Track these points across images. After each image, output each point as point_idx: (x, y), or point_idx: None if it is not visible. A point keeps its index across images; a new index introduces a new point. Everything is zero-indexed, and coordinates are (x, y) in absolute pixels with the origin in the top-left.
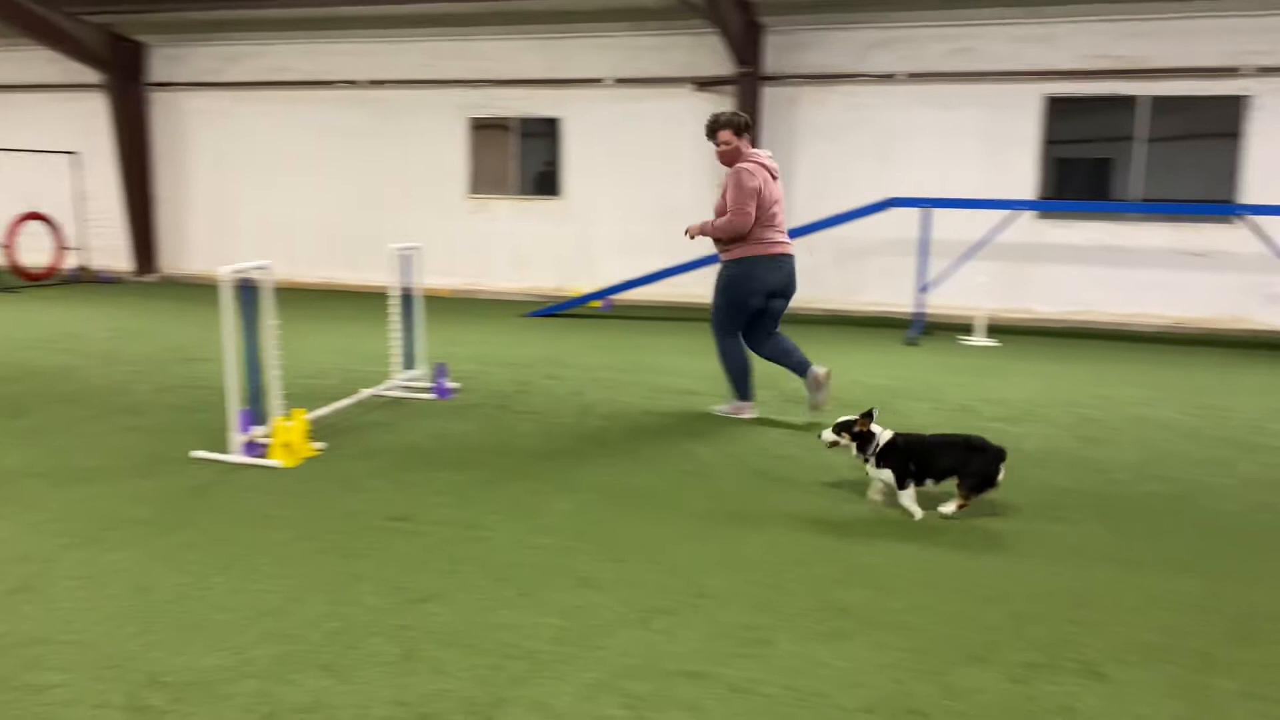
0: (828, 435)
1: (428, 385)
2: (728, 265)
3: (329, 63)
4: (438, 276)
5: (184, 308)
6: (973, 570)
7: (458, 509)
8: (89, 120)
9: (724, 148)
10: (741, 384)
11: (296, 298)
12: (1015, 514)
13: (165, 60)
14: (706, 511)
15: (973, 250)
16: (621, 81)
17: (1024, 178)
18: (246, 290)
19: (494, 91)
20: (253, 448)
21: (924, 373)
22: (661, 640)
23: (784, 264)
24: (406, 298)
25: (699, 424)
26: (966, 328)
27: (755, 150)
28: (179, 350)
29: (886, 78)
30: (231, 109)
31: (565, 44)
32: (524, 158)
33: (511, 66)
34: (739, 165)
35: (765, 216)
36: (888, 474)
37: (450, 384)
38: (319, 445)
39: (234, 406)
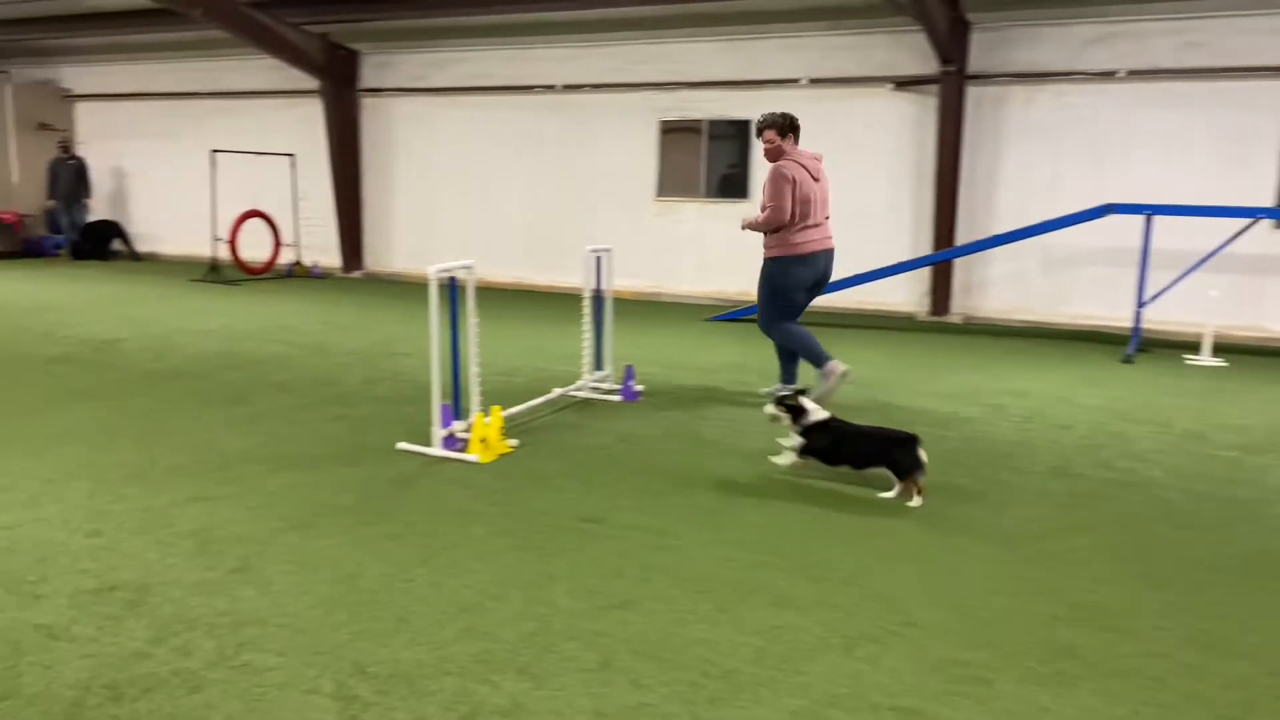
0: (769, 409)
1: (615, 387)
2: (768, 263)
3: (527, 68)
4: (622, 278)
5: (387, 303)
6: (1224, 620)
7: (648, 514)
8: (306, 124)
9: (768, 146)
10: (815, 354)
11: (490, 297)
12: (1260, 560)
13: (376, 67)
14: (906, 532)
15: (1200, 261)
16: (816, 82)
17: (1261, 183)
18: (450, 289)
19: (685, 94)
20: (452, 442)
21: (1145, 394)
22: (867, 670)
23: (818, 260)
24: (597, 299)
25: None
26: (1189, 345)
27: (800, 150)
28: (384, 344)
29: (1105, 75)
30: (435, 114)
31: (758, 44)
32: (711, 160)
33: (703, 68)
34: (777, 163)
35: (800, 214)
36: (799, 441)
37: (637, 386)
38: (513, 442)
39: (436, 401)
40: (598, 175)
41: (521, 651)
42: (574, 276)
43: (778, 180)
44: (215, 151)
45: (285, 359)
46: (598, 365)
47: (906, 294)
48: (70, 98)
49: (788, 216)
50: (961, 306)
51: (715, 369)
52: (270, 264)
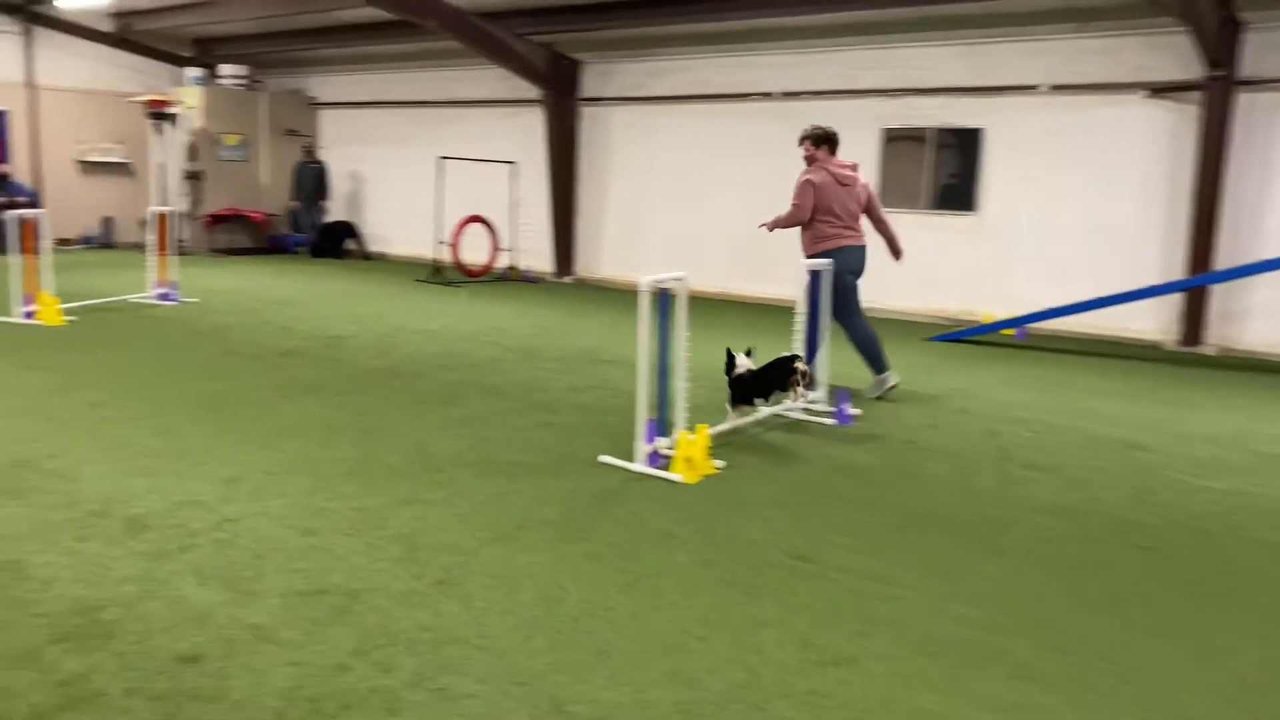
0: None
1: (828, 409)
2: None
3: (746, 76)
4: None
5: (594, 310)
6: None
7: (865, 556)
8: (526, 133)
9: (805, 155)
10: (876, 359)
11: (696, 307)
12: None
13: (596, 76)
14: (1170, 601)
15: None
16: (1058, 88)
17: None
18: (661, 300)
19: (912, 101)
20: (655, 458)
21: None
22: None
23: (850, 253)
24: (813, 316)
25: (1150, 484)
26: None
27: (834, 159)
28: (590, 351)
29: None
30: (651, 122)
31: (994, 49)
32: (935, 170)
33: (932, 74)
34: (804, 171)
35: (829, 214)
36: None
37: (851, 410)
38: (719, 463)
39: (642, 415)
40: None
41: (728, 705)
42: (782, 288)
43: (802, 185)
44: (442, 158)
45: (498, 362)
46: (810, 385)
47: (1153, 320)
48: (315, 105)
49: (806, 215)
50: (1218, 337)
51: (938, 395)
52: (488, 267)
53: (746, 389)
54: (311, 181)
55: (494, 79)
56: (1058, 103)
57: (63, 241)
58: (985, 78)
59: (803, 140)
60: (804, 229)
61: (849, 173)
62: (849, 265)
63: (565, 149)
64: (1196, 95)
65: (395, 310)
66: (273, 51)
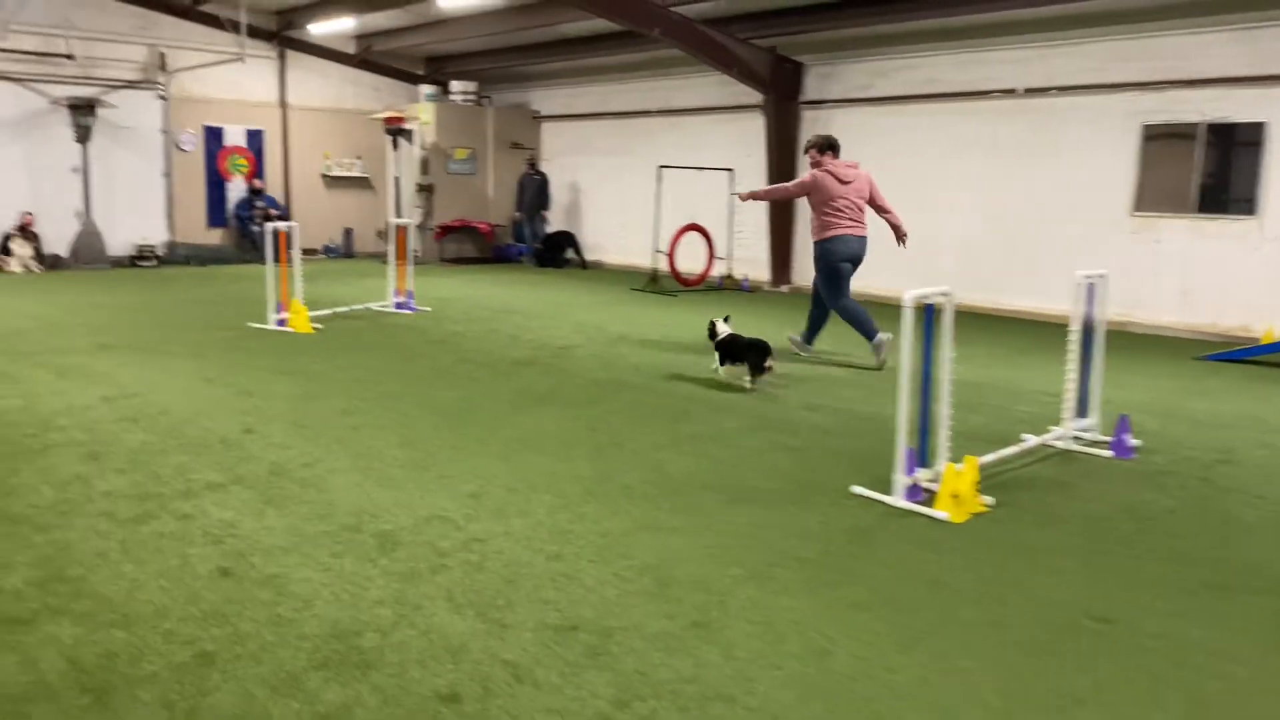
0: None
1: (1102, 439)
2: (816, 246)
3: (983, 72)
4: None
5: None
6: None
7: (1183, 620)
8: (744, 139)
9: (811, 160)
10: (866, 326)
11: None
12: None
13: (819, 78)
14: None
15: None
16: None
17: None
18: (926, 316)
19: (1177, 94)
20: (915, 492)
21: None
22: None
23: (851, 241)
24: (1087, 334)
25: None
26: None
27: (836, 161)
28: (814, 367)
29: None
30: (876, 124)
31: (1277, 33)
32: (1206, 170)
33: (1201, 64)
34: (810, 170)
35: (831, 208)
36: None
37: (1132, 441)
38: (988, 500)
39: (902, 443)
40: (1059, 187)
41: None
42: (1022, 299)
43: (803, 178)
44: (662, 167)
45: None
46: (1081, 411)
47: None
48: (538, 118)
49: (789, 195)
50: None
51: (1226, 423)
52: (704, 276)
53: (727, 350)
54: (534, 193)
55: (713, 85)
56: None
57: (307, 251)
58: (1267, 65)
59: (808, 149)
60: (812, 219)
61: (851, 171)
62: (847, 252)
63: (785, 154)
64: None
65: (616, 320)
66: (499, 67)
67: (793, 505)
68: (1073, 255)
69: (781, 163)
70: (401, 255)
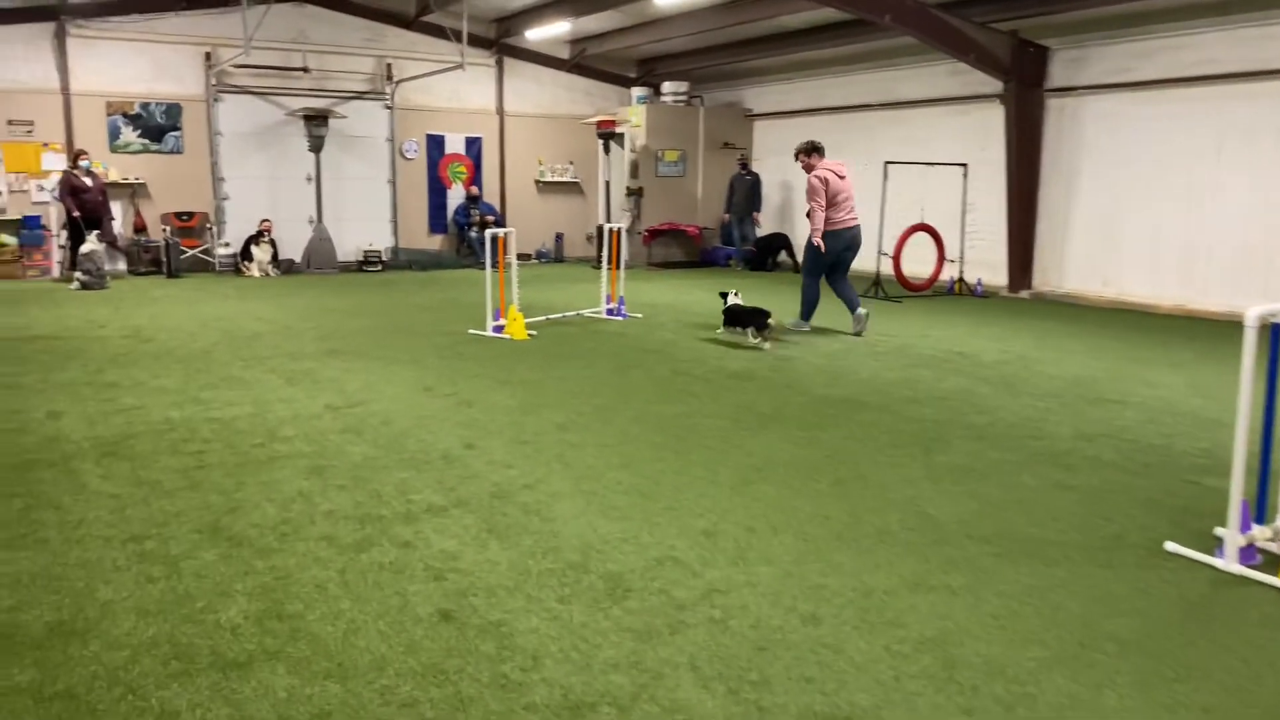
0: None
1: None
2: (822, 238)
3: (1266, 49)
4: None
5: (1067, 331)
6: None
7: None
8: (977, 131)
9: (804, 165)
10: (810, 311)
11: (1195, 331)
12: None
13: (1066, 64)
14: None
15: None
16: None
17: None
18: (1273, 339)
19: None
20: (1249, 554)
21: None
22: None
23: (845, 234)
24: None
25: None
26: None
27: (826, 161)
28: (1083, 386)
29: None
30: (1133, 111)
31: None
32: None
33: None
34: (810, 174)
35: (836, 203)
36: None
37: None
38: None
39: (1237, 493)
40: None
41: None
42: None
43: (812, 186)
44: (888, 163)
45: (972, 395)
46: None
47: None
48: (750, 117)
49: (820, 211)
50: None
51: None
52: (933, 280)
53: (732, 317)
54: (745, 194)
55: (943, 75)
56: None
57: (520, 256)
58: None
59: (798, 155)
60: (813, 215)
61: (842, 168)
62: (844, 242)
63: (1028, 146)
64: None
65: (834, 326)
66: (711, 65)
67: (1089, 564)
68: None
69: (1023, 157)
70: (615, 260)
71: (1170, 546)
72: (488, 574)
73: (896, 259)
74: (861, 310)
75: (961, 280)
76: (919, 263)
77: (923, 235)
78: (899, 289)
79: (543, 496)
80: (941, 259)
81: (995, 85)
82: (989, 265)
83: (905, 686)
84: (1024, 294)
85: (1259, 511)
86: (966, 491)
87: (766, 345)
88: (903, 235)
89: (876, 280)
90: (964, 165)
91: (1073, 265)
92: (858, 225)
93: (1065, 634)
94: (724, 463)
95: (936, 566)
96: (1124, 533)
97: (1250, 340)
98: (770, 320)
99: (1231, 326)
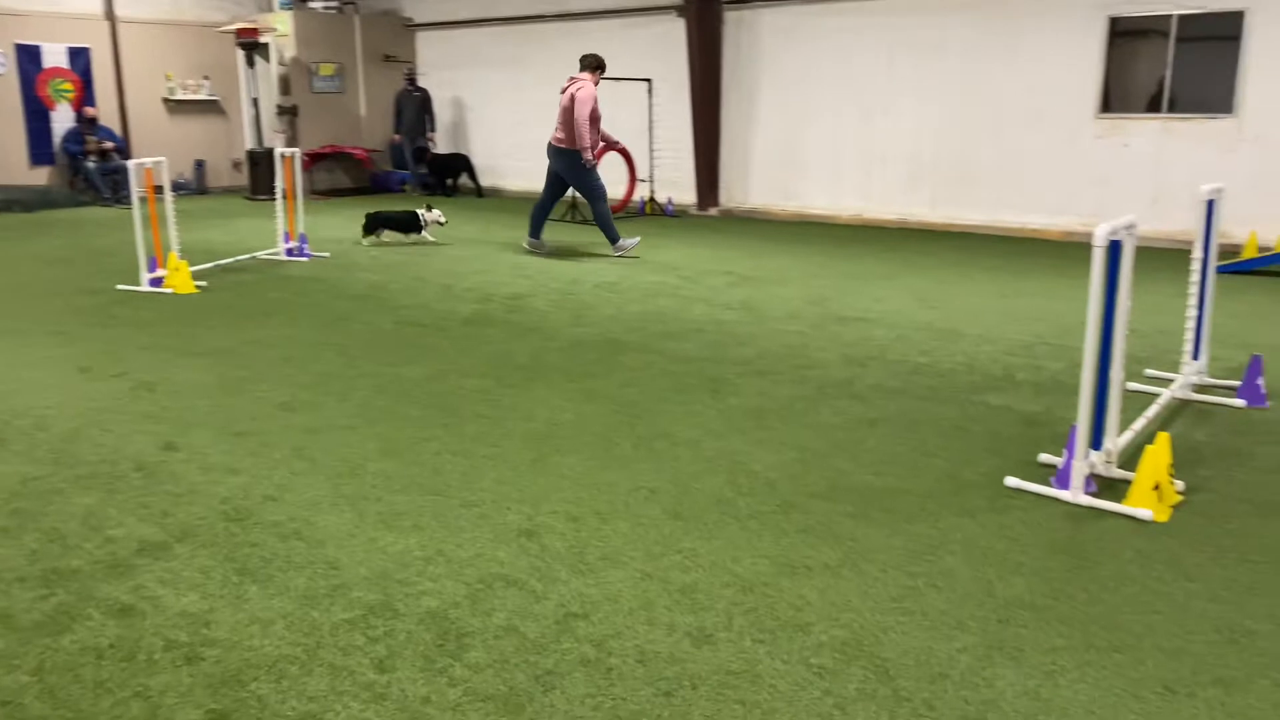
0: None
1: (1220, 384)
2: (580, 154)
3: None
4: (1044, 215)
5: (771, 249)
6: None
7: None
8: (660, 46)
9: (594, 79)
10: (610, 230)
11: (881, 239)
12: None
13: None
14: None
15: None
16: None
17: None
18: (1112, 254)
19: None
20: (1089, 483)
21: None
22: None
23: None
24: (1204, 260)
25: None
26: None
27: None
28: (818, 305)
29: None
30: (809, 25)
31: None
32: (1179, 66)
33: None
34: (590, 91)
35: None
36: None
37: (1263, 385)
38: (1179, 485)
39: (1084, 421)
40: (1017, 89)
41: None
42: (974, 212)
43: (595, 104)
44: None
45: (724, 325)
46: (1195, 353)
47: None
48: (411, 27)
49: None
50: None
51: None
52: (626, 201)
53: (375, 222)
54: (415, 112)
55: None
56: None
57: (155, 189)
58: None
59: (596, 69)
60: (581, 132)
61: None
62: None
63: (709, 61)
64: None
65: (551, 260)
66: None
67: (948, 514)
68: (1035, 164)
69: (705, 72)
70: (291, 192)
71: (1010, 482)
72: (261, 640)
73: None
74: (540, 243)
75: (653, 200)
76: (611, 184)
77: (615, 156)
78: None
79: (296, 510)
80: (633, 179)
81: None
82: (677, 184)
83: (850, 717)
84: (713, 211)
85: (1098, 439)
86: (777, 439)
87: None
88: (596, 156)
89: (572, 203)
90: (648, 81)
91: (757, 181)
92: (551, 145)
93: (976, 609)
94: (506, 434)
95: (798, 540)
96: (955, 470)
97: (1097, 259)
98: (425, 221)
99: (906, 233)
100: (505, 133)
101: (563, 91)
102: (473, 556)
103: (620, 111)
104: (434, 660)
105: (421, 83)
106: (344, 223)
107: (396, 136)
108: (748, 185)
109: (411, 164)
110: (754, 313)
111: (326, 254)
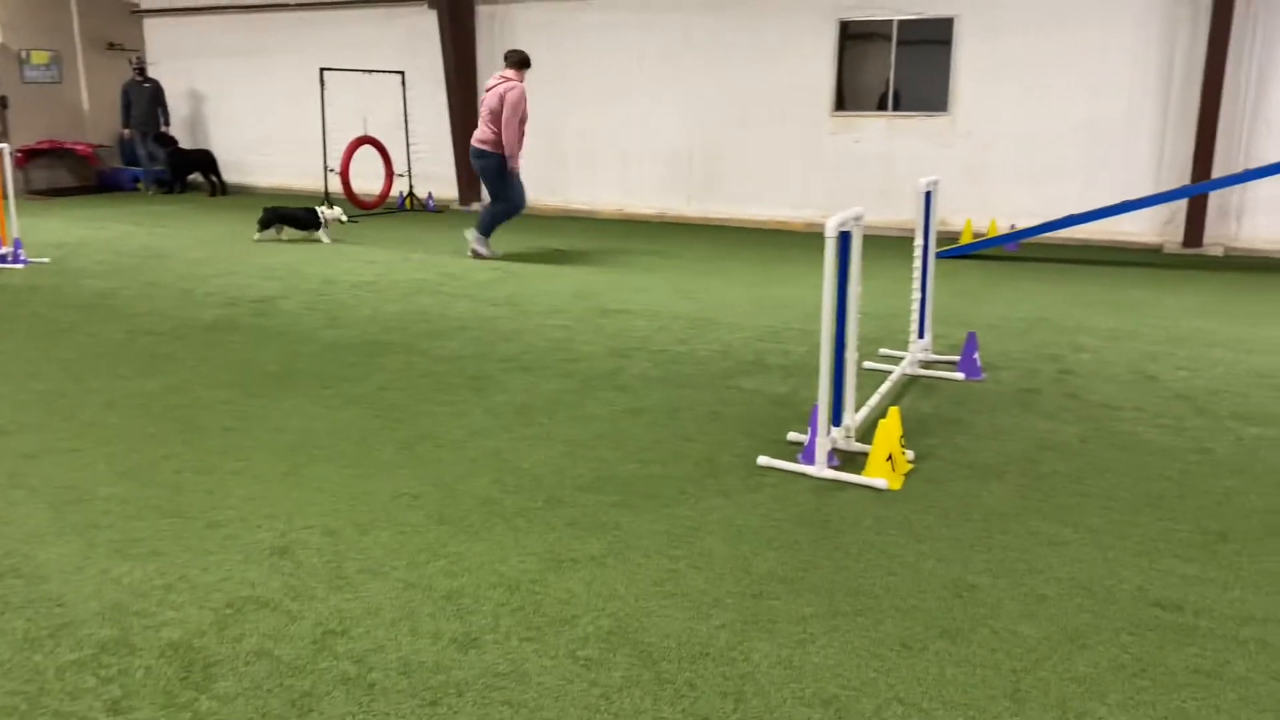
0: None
1: (942, 359)
2: (508, 160)
3: None
4: (789, 208)
5: (533, 241)
6: None
7: (1249, 593)
8: (413, 38)
9: (519, 76)
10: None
11: (642, 233)
12: None
13: None
14: None
15: None
16: None
17: None
18: (842, 244)
19: None
20: (831, 457)
21: None
22: None
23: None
24: (925, 247)
25: None
26: None
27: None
28: (584, 298)
29: None
30: (566, 21)
31: None
32: (902, 67)
33: None
34: (519, 89)
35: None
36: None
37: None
38: (909, 454)
39: (824, 400)
40: (762, 88)
41: None
42: (727, 206)
43: (524, 104)
44: (324, 70)
45: (489, 321)
46: (920, 332)
47: (1146, 222)
48: (138, 13)
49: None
50: (1218, 235)
51: (1023, 327)
52: (383, 196)
53: (271, 218)
54: (145, 105)
55: None
56: None
57: None
58: None
59: (521, 65)
60: (508, 134)
61: (491, 82)
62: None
63: (464, 55)
64: None
65: (306, 258)
66: None
67: (707, 495)
68: (779, 160)
69: (460, 65)
70: (1, 190)
71: (762, 460)
72: None
73: (345, 175)
74: (482, 247)
75: (412, 195)
76: (367, 178)
77: (369, 149)
78: (352, 207)
79: (13, 545)
80: (390, 174)
81: None
82: (439, 179)
83: (616, 706)
84: (476, 206)
85: (839, 415)
86: (544, 434)
87: (326, 239)
88: (348, 149)
89: (327, 199)
90: (401, 73)
91: (522, 175)
92: (473, 147)
93: (733, 586)
94: (255, 446)
95: (565, 534)
96: (713, 453)
97: (830, 249)
98: (325, 219)
99: (665, 227)
100: (248, 127)
101: (488, 90)
102: (219, 580)
103: (374, 105)
104: (176, 695)
105: (152, 73)
106: (67, 225)
107: (126, 131)
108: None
109: (145, 160)
110: (519, 308)
111: (46, 260)
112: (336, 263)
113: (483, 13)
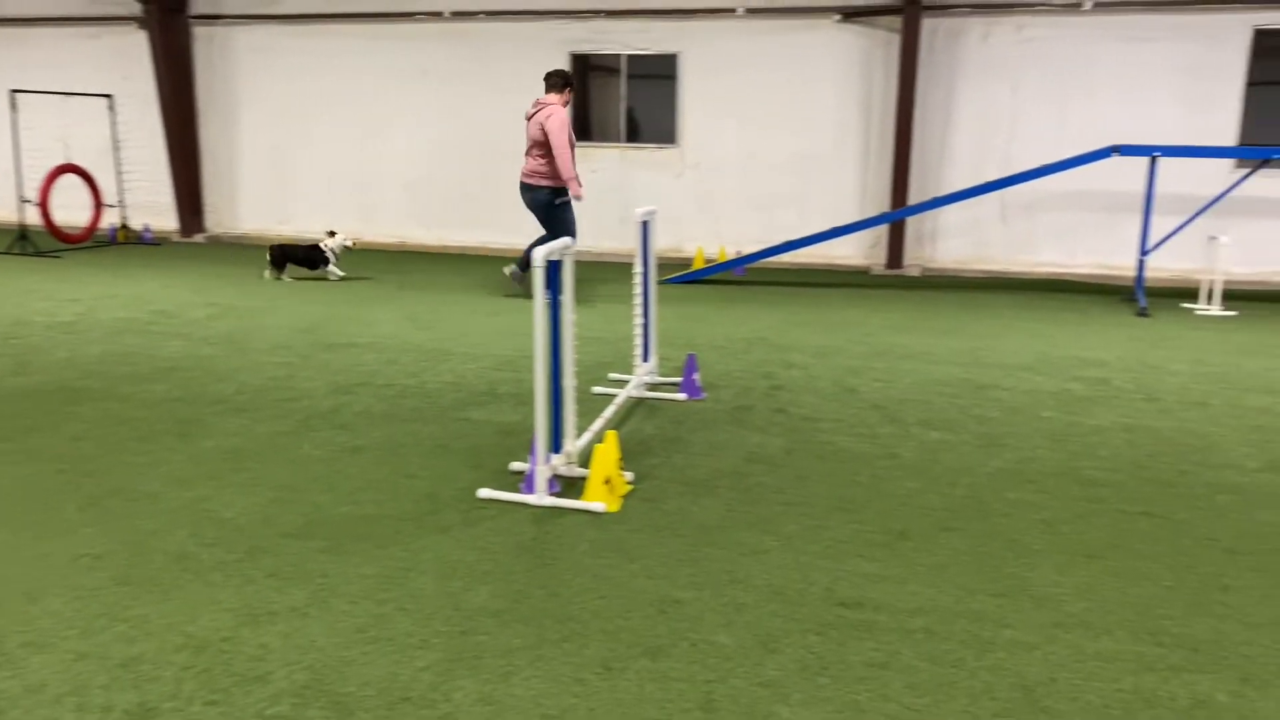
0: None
1: (669, 380)
2: (557, 190)
3: None
4: (525, 237)
5: (255, 276)
6: None
7: (920, 586)
8: (121, 59)
9: (564, 100)
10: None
11: (376, 262)
12: None
13: None
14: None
15: (1206, 206)
16: (754, 11)
17: (1225, 122)
18: (551, 273)
19: (602, 24)
20: (552, 484)
21: (1220, 354)
22: None
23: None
24: (645, 274)
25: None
26: (1187, 294)
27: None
28: (308, 333)
29: (1070, 7)
30: (287, 45)
31: None
32: (632, 101)
33: None
34: (561, 114)
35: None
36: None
37: (698, 379)
38: (628, 476)
39: (541, 428)
40: (497, 118)
41: None
42: (466, 234)
43: (569, 129)
44: (15, 92)
45: (202, 360)
46: (644, 356)
47: (853, 246)
48: None
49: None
50: (915, 257)
51: (740, 348)
52: (92, 228)
53: (283, 257)
54: None
55: None
56: (754, 27)
57: None
58: (679, 0)
59: (564, 88)
60: (545, 163)
61: (532, 109)
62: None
63: (179, 77)
64: (883, 21)
65: None
66: None
67: (423, 533)
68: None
69: (176, 88)
70: None
71: (483, 493)
72: None
73: (44, 206)
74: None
75: (125, 227)
76: (71, 209)
77: (73, 178)
78: (54, 241)
79: None
80: (99, 204)
81: (134, 7)
82: (155, 209)
83: None
84: (199, 238)
85: (558, 443)
86: (253, 480)
87: (337, 273)
88: (48, 178)
89: (22, 233)
90: (109, 97)
91: (247, 204)
92: (523, 182)
93: (442, 625)
94: None
95: (265, 586)
96: (435, 488)
97: (538, 279)
98: (330, 254)
99: (404, 255)
100: None
101: (528, 119)
102: None
103: (78, 130)
104: None
105: None
106: None
107: None
108: (236, 210)
109: None
110: (237, 345)
111: None
112: (31, 303)
113: (199, 33)
